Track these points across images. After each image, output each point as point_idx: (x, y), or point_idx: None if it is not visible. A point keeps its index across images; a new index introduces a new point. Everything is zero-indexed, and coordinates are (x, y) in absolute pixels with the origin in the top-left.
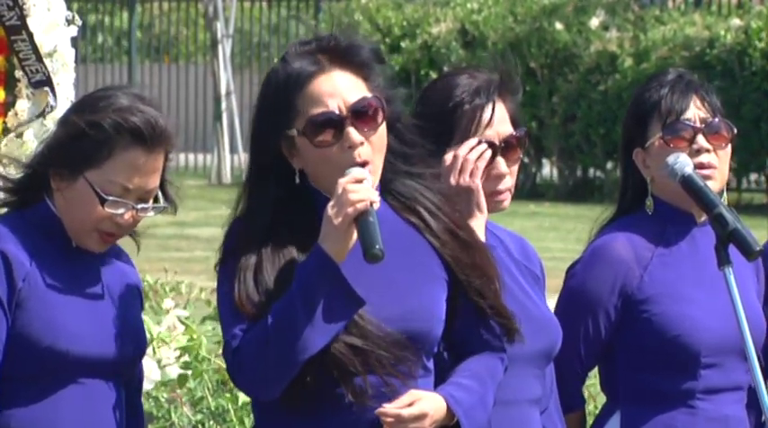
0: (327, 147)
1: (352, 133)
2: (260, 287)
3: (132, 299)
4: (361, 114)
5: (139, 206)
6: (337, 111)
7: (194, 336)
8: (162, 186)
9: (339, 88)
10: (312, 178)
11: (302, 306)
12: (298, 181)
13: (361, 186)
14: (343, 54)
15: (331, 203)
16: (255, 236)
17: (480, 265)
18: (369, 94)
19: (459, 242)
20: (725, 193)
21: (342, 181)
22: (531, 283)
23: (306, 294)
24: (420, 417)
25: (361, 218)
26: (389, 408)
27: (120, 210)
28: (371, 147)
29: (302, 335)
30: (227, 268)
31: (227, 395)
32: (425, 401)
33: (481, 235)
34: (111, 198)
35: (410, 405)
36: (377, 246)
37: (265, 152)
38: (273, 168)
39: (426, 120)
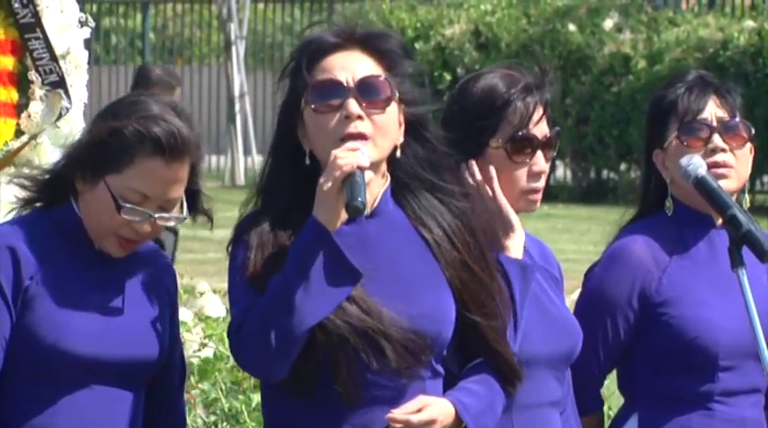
0: (326, 113)
1: (351, 104)
2: (268, 264)
3: (160, 305)
4: (367, 91)
5: (158, 215)
6: (344, 83)
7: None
8: (193, 196)
9: (354, 65)
10: (316, 154)
11: (297, 276)
12: (308, 162)
13: (350, 153)
14: (368, 39)
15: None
16: (269, 217)
17: (484, 303)
18: (382, 75)
19: (468, 275)
20: (746, 194)
21: (335, 151)
22: (551, 286)
23: (300, 264)
24: (429, 423)
25: (347, 180)
26: (398, 414)
27: (137, 218)
28: (374, 125)
29: (297, 306)
30: (238, 247)
31: (241, 396)
32: (434, 407)
33: (518, 253)
34: (128, 205)
35: (419, 410)
36: (359, 199)
37: (282, 132)
38: (289, 151)
39: (466, 117)
